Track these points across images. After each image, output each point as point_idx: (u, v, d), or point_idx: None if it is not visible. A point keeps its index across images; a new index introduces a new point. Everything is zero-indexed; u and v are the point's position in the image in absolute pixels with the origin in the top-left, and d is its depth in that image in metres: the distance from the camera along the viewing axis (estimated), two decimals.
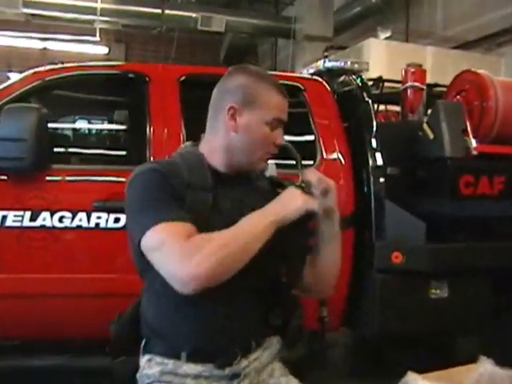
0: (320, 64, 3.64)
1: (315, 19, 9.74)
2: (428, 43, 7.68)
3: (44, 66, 3.26)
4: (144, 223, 1.41)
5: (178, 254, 1.37)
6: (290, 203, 1.47)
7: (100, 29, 9.83)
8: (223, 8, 10.80)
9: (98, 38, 9.43)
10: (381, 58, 6.50)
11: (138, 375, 1.56)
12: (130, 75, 3.22)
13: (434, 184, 3.30)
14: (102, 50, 11.10)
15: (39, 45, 10.65)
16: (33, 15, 9.73)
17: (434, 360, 2.38)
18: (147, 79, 3.10)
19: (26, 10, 9.00)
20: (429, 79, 3.84)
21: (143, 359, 1.56)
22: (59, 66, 3.27)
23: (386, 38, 8.33)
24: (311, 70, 3.78)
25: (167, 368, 1.51)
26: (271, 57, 12.97)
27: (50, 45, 10.69)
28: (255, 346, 1.58)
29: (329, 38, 9.57)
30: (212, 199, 1.51)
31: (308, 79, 3.55)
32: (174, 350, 1.51)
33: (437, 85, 3.99)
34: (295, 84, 3.37)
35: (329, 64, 3.60)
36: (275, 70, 9.11)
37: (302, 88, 3.38)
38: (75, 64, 3.34)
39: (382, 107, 4.47)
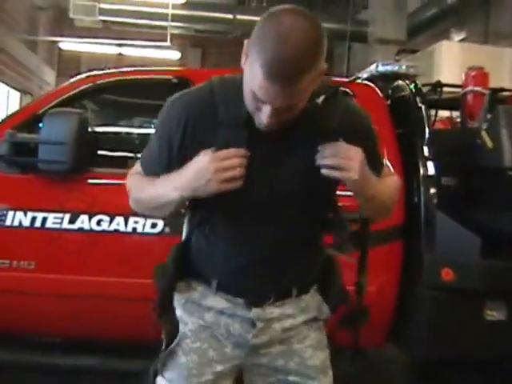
0: (373, 68, 3.50)
1: (388, 22, 9.55)
2: (508, 45, 7.29)
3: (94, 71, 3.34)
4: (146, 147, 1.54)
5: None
6: (200, 182, 1.35)
7: (173, 34, 10.04)
8: None
9: (168, 43, 9.61)
10: (454, 61, 6.26)
11: None
12: (175, 80, 3.21)
13: (491, 196, 3.09)
14: (175, 54, 11.32)
15: (115, 50, 11.00)
16: (109, 22, 10.04)
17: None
18: (190, 83, 3.08)
19: (101, 18, 9.30)
20: (507, 83, 3.61)
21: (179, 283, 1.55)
22: (111, 70, 3.33)
23: (461, 40, 8.00)
24: (365, 75, 3.64)
25: (192, 296, 1.52)
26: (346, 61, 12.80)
27: (125, 50, 11.02)
28: (296, 293, 1.51)
29: (402, 41, 9.34)
30: (247, 137, 1.38)
31: (358, 84, 3.42)
32: (206, 277, 1.50)
33: (503, 89, 3.74)
34: (344, 89, 3.24)
35: (382, 68, 3.44)
36: (348, 74, 8.93)
37: (351, 93, 3.25)
38: (126, 69, 3.39)
39: (446, 113, 4.26)
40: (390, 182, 1.58)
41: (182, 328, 1.52)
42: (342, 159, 1.35)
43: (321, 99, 1.40)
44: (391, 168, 1.64)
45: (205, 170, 1.33)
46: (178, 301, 1.54)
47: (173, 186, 1.39)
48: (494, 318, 2.98)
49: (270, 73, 1.22)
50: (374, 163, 1.46)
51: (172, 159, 1.43)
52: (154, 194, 1.45)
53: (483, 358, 3.10)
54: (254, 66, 1.25)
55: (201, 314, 1.51)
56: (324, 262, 1.57)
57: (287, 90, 1.24)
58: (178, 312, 1.55)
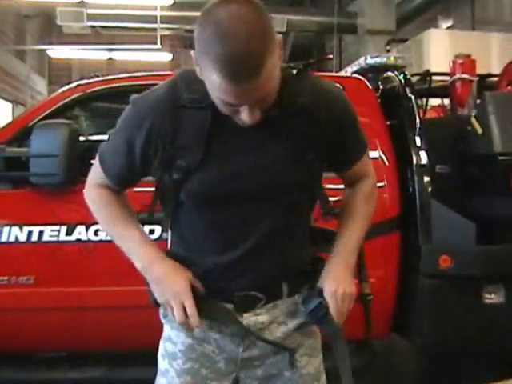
0: (362, 61, 3.51)
1: (377, 13, 9.56)
2: (496, 30, 7.29)
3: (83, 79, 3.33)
4: (104, 143, 1.46)
5: (87, 179, 1.49)
6: (160, 290, 1.35)
7: (163, 36, 10.01)
8: (284, 7, 10.74)
9: (159, 46, 9.59)
10: (442, 48, 6.24)
11: None
12: None
13: (484, 182, 3.10)
14: (167, 56, 11.31)
15: (105, 56, 10.97)
16: (98, 27, 10.01)
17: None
18: None
19: (90, 23, 9.28)
20: (495, 68, 3.62)
21: None
22: (101, 78, 3.32)
23: (449, 28, 8.00)
24: (354, 68, 3.65)
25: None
26: (338, 53, 12.79)
27: (116, 55, 10.99)
28: (288, 292, 1.43)
29: (392, 31, 9.34)
30: (211, 119, 1.30)
31: (347, 78, 3.43)
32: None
33: (490, 75, 3.75)
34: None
35: (371, 61, 3.46)
36: (341, 66, 8.93)
37: (341, 87, 3.25)
38: (116, 76, 3.38)
39: (437, 101, 4.27)
40: (363, 211, 1.51)
41: (171, 348, 1.46)
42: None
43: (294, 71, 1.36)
44: (368, 160, 1.55)
45: (171, 293, 1.33)
46: (164, 316, 1.48)
47: (141, 259, 1.38)
48: (493, 301, 3.00)
49: (231, 76, 1.14)
50: (349, 150, 1.45)
51: (136, 162, 1.38)
52: (124, 240, 1.43)
53: (484, 343, 3.12)
54: (212, 75, 1.17)
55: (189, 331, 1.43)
56: (313, 261, 1.50)
57: (256, 83, 1.16)
58: (166, 330, 1.49)
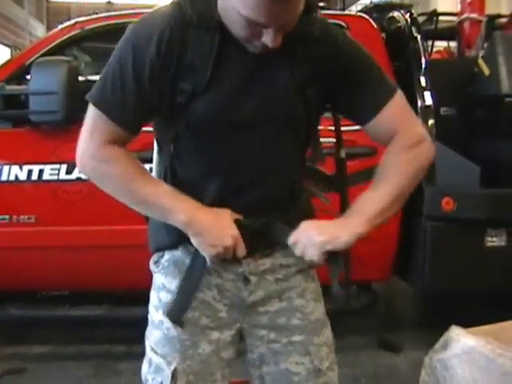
0: (367, 0, 3.41)
1: None
2: None
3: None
4: (95, 87, 1.26)
5: (81, 148, 1.28)
6: (209, 238, 1.24)
7: None
8: None
9: None
10: None
11: None
12: None
13: (490, 124, 3.06)
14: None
15: None
16: None
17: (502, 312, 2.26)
18: None
19: None
20: (504, 8, 3.52)
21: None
22: (100, 15, 3.24)
23: None
24: (359, 7, 3.55)
25: (175, 255, 1.36)
26: None
27: None
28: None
29: None
30: (219, 41, 1.22)
31: (351, 16, 3.33)
32: None
33: (500, 16, 3.66)
34: (337, 22, 3.16)
35: None
36: (344, 5, 8.70)
37: (345, 26, 3.17)
38: (113, 13, 3.29)
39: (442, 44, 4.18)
40: (398, 169, 1.28)
41: (165, 297, 1.37)
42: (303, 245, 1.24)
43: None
44: (414, 116, 1.33)
45: (221, 236, 1.24)
46: (157, 264, 1.40)
47: (183, 212, 1.25)
48: (495, 245, 3.00)
49: None
50: (366, 93, 1.29)
51: (146, 88, 1.23)
52: (150, 196, 1.27)
53: (484, 286, 3.14)
54: None
55: None
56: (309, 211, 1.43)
57: (293, 2, 1.11)
58: (159, 279, 1.39)
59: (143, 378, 1.40)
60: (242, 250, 1.27)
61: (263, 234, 1.31)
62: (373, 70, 1.32)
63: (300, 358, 1.39)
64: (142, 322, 1.46)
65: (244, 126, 1.27)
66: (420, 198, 2.98)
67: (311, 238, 1.23)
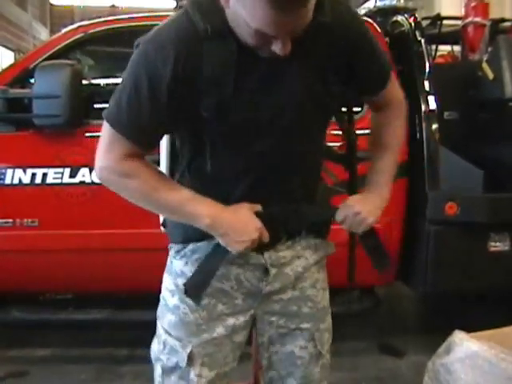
0: (371, 4, 3.41)
1: None
2: None
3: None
4: (111, 106, 1.27)
5: (100, 162, 1.29)
6: (236, 236, 1.29)
7: None
8: None
9: None
10: None
11: None
12: None
13: (494, 128, 3.05)
14: (171, 3, 11.07)
15: (108, 2, 10.75)
16: None
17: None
18: None
19: None
20: (508, 13, 3.52)
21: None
22: (104, 19, 3.23)
23: None
24: (363, 11, 3.55)
25: (200, 248, 1.40)
26: None
27: (119, 2, 10.77)
28: (306, 232, 1.44)
29: None
30: (237, 49, 1.21)
31: None
32: None
33: (504, 20, 3.65)
34: None
35: (380, 3, 3.38)
36: None
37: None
38: (117, 17, 3.29)
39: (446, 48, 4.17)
40: (394, 139, 1.50)
41: (182, 283, 1.40)
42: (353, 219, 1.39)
43: None
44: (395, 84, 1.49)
45: (246, 231, 1.29)
46: (180, 252, 1.44)
47: (207, 216, 1.28)
48: (498, 249, 2.99)
49: (281, 6, 1.07)
50: (376, 73, 1.40)
51: (162, 106, 1.23)
52: (173, 203, 1.31)
53: (487, 290, 3.13)
54: (254, 3, 1.09)
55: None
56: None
57: (300, 14, 1.11)
58: (179, 265, 1.43)
59: (153, 357, 1.47)
60: (266, 237, 1.32)
61: (287, 223, 1.39)
62: (377, 47, 1.42)
63: (305, 343, 1.48)
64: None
65: (270, 124, 1.30)
66: (423, 202, 2.99)
67: (358, 216, 1.38)
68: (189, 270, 1.41)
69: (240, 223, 1.29)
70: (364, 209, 1.39)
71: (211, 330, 1.41)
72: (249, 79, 1.25)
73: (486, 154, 3.07)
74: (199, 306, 1.39)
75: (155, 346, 1.47)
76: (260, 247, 1.35)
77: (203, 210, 1.29)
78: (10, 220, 2.82)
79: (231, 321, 1.42)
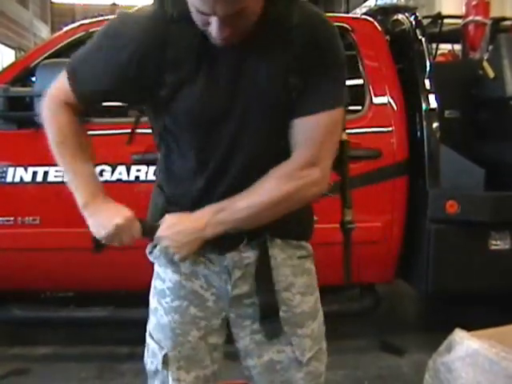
0: (372, 2, 3.41)
1: None
2: None
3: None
4: (77, 52, 1.37)
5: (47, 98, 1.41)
6: (94, 226, 1.37)
7: None
8: None
9: None
10: None
11: None
12: None
13: (494, 127, 3.05)
14: None
15: (108, 0, 10.75)
16: None
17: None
18: None
19: None
20: (509, 11, 3.52)
21: None
22: (104, 17, 3.24)
23: None
24: (364, 10, 3.56)
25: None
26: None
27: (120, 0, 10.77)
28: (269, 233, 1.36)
29: None
30: (201, 33, 1.22)
31: (356, 19, 3.33)
32: None
33: (505, 18, 3.65)
34: (342, 24, 3.17)
35: (381, 2, 3.39)
36: (349, 9, 8.70)
37: (350, 29, 3.18)
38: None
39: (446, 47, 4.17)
40: (272, 187, 1.30)
41: (159, 285, 1.44)
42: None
43: None
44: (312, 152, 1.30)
45: (103, 224, 1.34)
46: (151, 254, 1.45)
47: (82, 202, 1.40)
48: (499, 248, 2.99)
49: None
50: (312, 92, 1.27)
51: (115, 74, 1.28)
52: (69, 168, 1.42)
53: (488, 289, 3.13)
54: None
55: (176, 267, 1.40)
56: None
57: None
58: (155, 267, 1.46)
59: (145, 361, 1.48)
60: (136, 232, 1.34)
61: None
62: (333, 72, 1.29)
63: (282, 347, 1.42)
64: (146, 324, 1.49)
65: (228, 116, 1.29)
66: (424, 201, 2.99)
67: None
68: (162, 272, 1.43)
69: (103, 217, 1.35)
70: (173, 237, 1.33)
71: (185, 334, 1.41)
72: (208, 67, 1.26)
73: (486, 152, 3.07)
74: (172, 309, 1.40)
75: (145, 350, 1.48)
76: (220, 248, 1.35)
77: (85, 189, 1.38)
78: (12, 218, 2.83)
79: (203, 323, 1.41)
